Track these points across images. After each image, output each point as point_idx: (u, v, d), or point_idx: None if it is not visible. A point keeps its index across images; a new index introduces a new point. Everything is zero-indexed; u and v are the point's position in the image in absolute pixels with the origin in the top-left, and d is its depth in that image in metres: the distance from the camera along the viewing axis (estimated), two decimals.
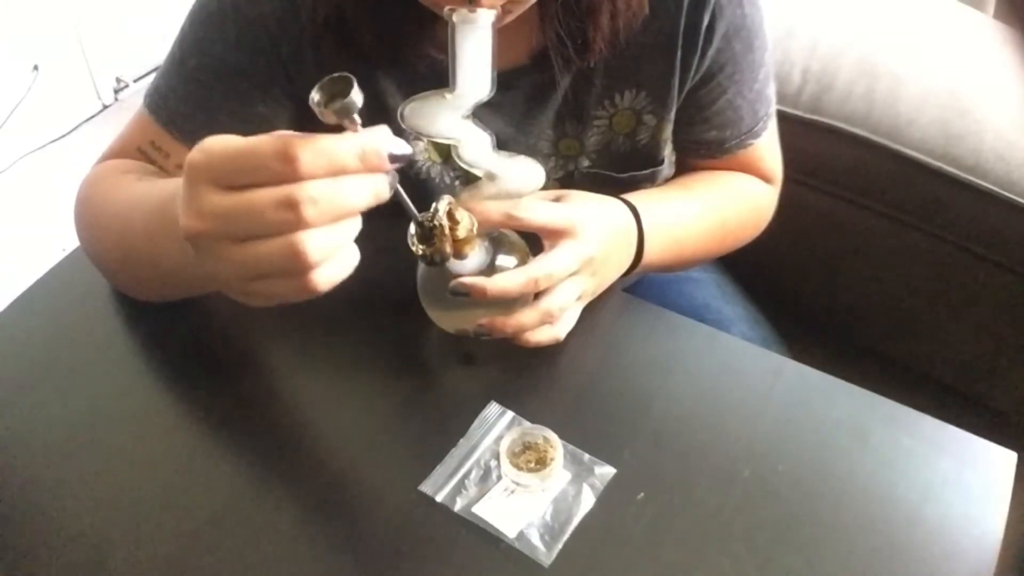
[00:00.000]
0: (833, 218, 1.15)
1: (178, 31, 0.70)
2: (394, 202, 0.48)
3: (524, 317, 0.60)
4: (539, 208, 0.60)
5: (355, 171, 0.43)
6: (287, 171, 0.41)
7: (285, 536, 0.55)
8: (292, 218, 0.41)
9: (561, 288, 0.60)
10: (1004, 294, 1.08)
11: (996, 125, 1.06)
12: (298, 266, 0.42)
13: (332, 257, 0.43)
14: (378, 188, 0.44)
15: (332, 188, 0.42)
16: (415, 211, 0.52)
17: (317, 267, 0.43)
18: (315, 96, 0.44)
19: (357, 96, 0.44)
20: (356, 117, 0.45)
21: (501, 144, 0.59)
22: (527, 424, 0.60)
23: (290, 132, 0.42)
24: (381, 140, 0.44)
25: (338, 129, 0.44)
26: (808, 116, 1.09)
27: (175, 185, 0.47)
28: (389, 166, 0.44)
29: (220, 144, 0.43)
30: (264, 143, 0.42)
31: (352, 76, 0.44)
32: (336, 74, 0.44)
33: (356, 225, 0.45)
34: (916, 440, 0.60)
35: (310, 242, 0.42)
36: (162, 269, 0.58)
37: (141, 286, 0.67)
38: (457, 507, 0.56)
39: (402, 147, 0.45)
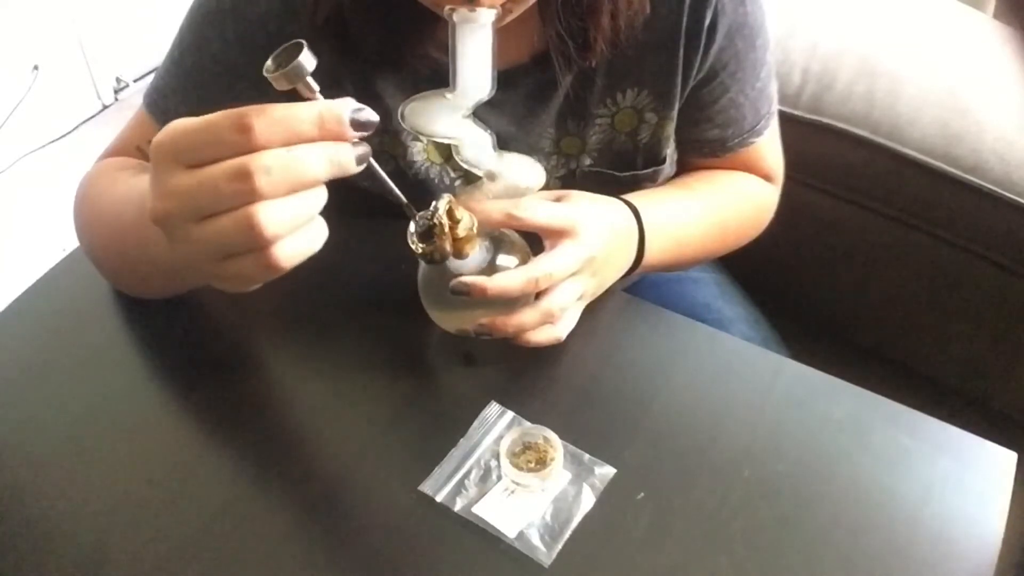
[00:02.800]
0: (833, 218, 1.15)
1: (177, 31, 0.70)
2: (369, 175, 0.46)
3: (525, 317, 0.60)
4: (540, 208, 0.60)
5: (313, 138, 0.42)
6: (243, 141, 0.40)
7: (284, 536, 0.55)
8: (245, 189, 0.40)
9: (562, 288, 0.60)
10: (1004, 294, 1.08)
11: (996, 125, 1.06)
12: (255, 239, 0.41)
13: (294, 231, 0.42)
14: (338, 157, 0.43)
15: (287, 157, 0.41)
16: (397, 190, 0.51)
17: (277, 241, 0.42)
18: (268, 64, 0.43)
19: (307, 59, 0.43)
20: (312, 83, 0.43)
21: (503, 143, 0.59)
22: (527, 424, 0.60)
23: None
24: (341, 106, 0.42)
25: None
26: (808, 116, 1.09)
27: None
28: (352, 133, 0.43)
29: (182, 123, 0.42)
30: (221, 116, 0.41)
31: (303, 41, 0.43)
32: (289, 42, 0.43)
33: (319, 197, 0.43)
34: (916, 440, 0.60)
35: (264, 214, 0.41)
36: (153, 262, 0.58)
37: (136, 281, 0.67)
38: (457, 507, 0.56)
39: (368, 114, 0.43)
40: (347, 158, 0.43)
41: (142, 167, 0.71)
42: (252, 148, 0.41)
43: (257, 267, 0.43)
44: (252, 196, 0.41)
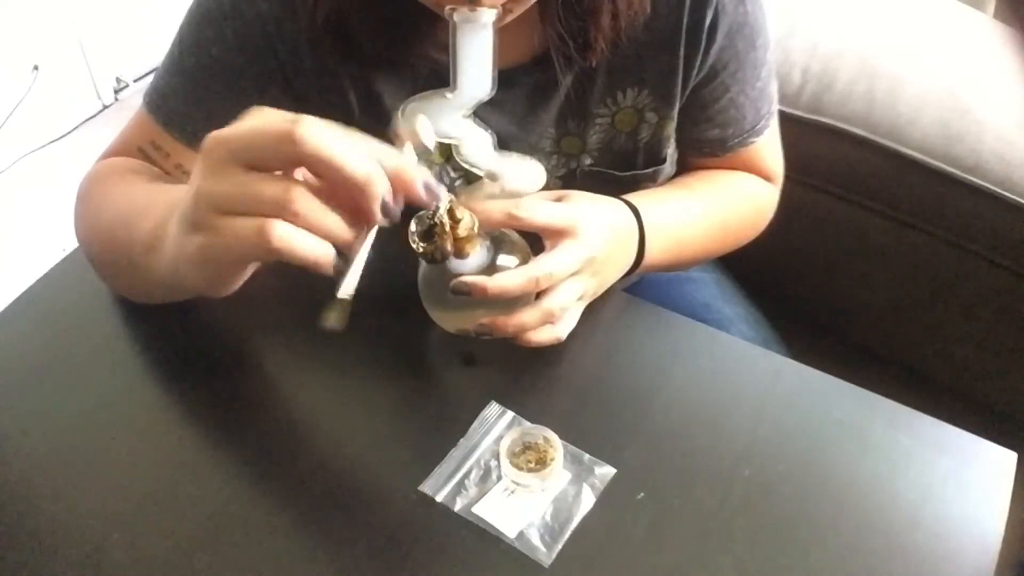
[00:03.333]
0: (833, 218, 1.15)
1: (177, 30, 0.70)
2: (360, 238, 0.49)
3: (525, 317, 0.60)
4: (540, 208, 0.60)
5: (386, 169, 0.46)
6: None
7: (284, 536, 0.55)
8: (290, 148, 0.44)
9: (562, 288, 0.60)
10: (1004, 294, 1.08)
11: (996, 125, 1.06)
12: (282, 202, 0.44)
13: (302, 225, 0.45)
14: (377, 179, 0.45)
15: (332, 141, 0.44)
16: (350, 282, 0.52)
17: (288, 218, 0.45)
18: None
19: (428, 130, 0.51)
20: (411, 149, 0.50)
21: (503, 142, 0.59)
22: (527, 424, 0.60)
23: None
24: (421, 170, 0.48)
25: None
26: (808, 116, 1.09)
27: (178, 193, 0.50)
28: (420, 190, 0.47)
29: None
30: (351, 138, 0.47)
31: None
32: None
33: (340, 226, 0.46)
34: (916, 440, 0.60)
35: (300, 192, 0.44)
36: (153, 251, 0.58)
37: (132, 282, 0.67)
38: (457, 507, 0.56)
39: (440, 189, 0.48)
40: (381, 187, 0.46)
41: (150, 171, 0.71)
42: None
43: (253, 231, 0.45)
44: (292, 144, 0.44)
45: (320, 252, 0.46)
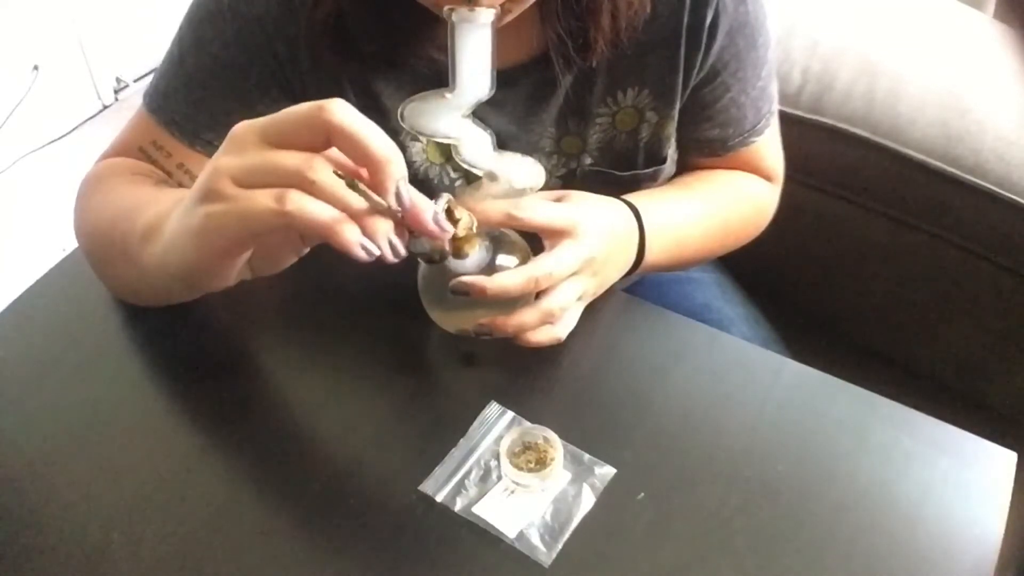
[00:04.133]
0: (833, 218, 1.15)
1: (176, 31, 0.70)
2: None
3: (525, 317, 0.60)
4: (540, 208, 0.60)
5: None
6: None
7: (285, 536, 0.55)
8: (319, 115, 0.45)
9: (562, 288, 0.60)
10: (1004, 294, 1.08)
11: (996, 125, 1.06)
12: (299, 170, 0.45)
13: (318, 195, 0.46)
14: (393, 167, 0.46)
15: (360, 118, 0.46)
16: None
17: (305, 188, 0.45)
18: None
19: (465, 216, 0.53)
20: (441, 207, 0.51)
21: (503, 142, 0.59)
22: (527, 424, 0.60)
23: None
24: (434, 205, 0.49)
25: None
26: (808, 116, 1.09)
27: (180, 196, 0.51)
28: (431, 226, 0.49)
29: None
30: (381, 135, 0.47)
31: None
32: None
33: (357, 200, 0.46)
34: (916, 440, 0.60)
35: (319, 162, 0.46)
36: (139, 249, 0.58)
37: (121, 274, 0.66)
38: (457, 507, 0.56)
39: (446, 225, 0.50)
40: (398, 170, 0.47)
41: (154, 173, 0.71)
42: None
43: (271, 197, 0.46)
44: (321, 114, 0.46)
45: (332, 217, 0.46)
